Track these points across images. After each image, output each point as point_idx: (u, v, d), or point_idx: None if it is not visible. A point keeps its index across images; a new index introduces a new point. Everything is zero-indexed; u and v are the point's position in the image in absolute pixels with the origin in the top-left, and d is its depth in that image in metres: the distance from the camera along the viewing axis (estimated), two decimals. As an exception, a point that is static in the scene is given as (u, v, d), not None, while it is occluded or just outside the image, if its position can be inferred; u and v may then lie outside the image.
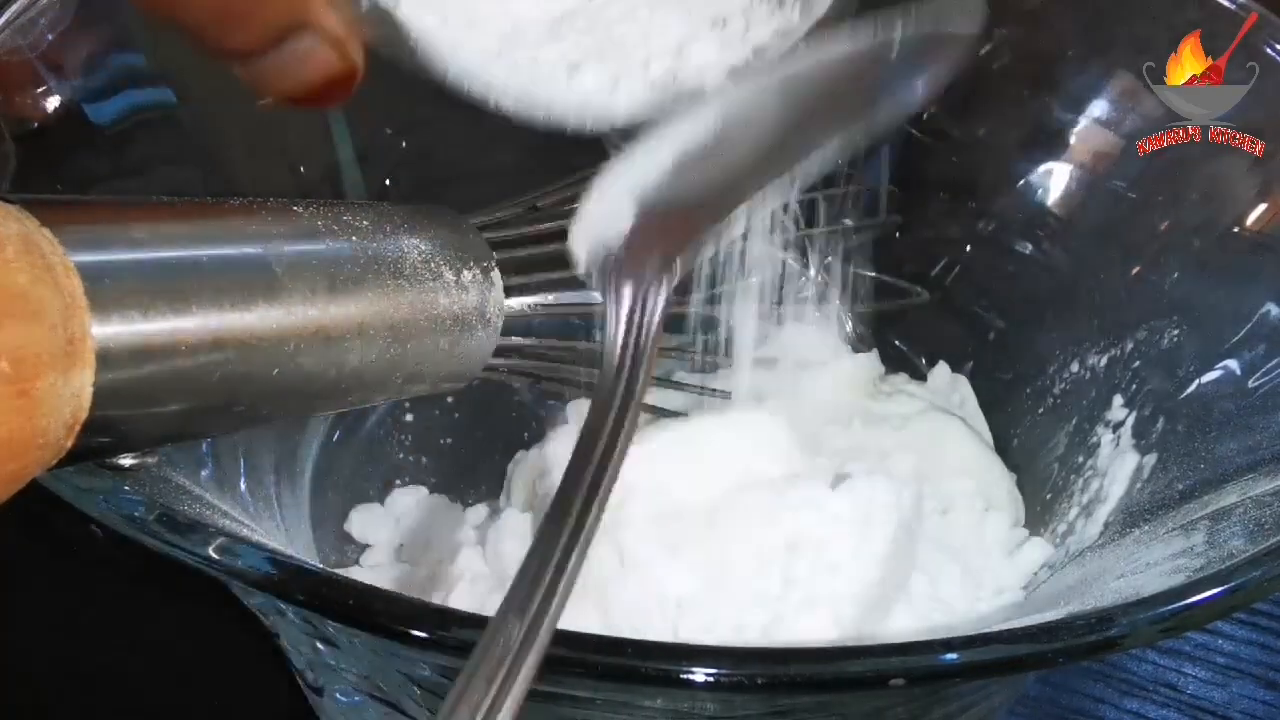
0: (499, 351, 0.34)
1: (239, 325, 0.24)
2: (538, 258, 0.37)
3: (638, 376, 0.23)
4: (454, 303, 0.31)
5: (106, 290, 0.22)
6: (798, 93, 0.29)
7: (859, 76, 0.29)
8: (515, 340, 0.37)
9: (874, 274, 0.51)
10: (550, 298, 0.47)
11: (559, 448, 0.42)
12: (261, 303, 0.25)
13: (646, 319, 0.25)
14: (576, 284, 0.52)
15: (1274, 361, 0.34)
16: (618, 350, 0.24)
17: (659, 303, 0.25)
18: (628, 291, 0.25)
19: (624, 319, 0.25)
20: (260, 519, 0.35)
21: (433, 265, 0.31)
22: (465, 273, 0.32)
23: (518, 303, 0.35)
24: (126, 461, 0.26)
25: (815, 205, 0.48)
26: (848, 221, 0.51)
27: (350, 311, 0.28)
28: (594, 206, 0.28)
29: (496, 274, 0.33)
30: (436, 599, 0.38)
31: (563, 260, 0.39)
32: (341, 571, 0.40)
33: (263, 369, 0.25)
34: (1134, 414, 0.38)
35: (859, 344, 0.50)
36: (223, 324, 0.24)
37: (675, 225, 0.27)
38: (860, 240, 0.51)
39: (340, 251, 0.28)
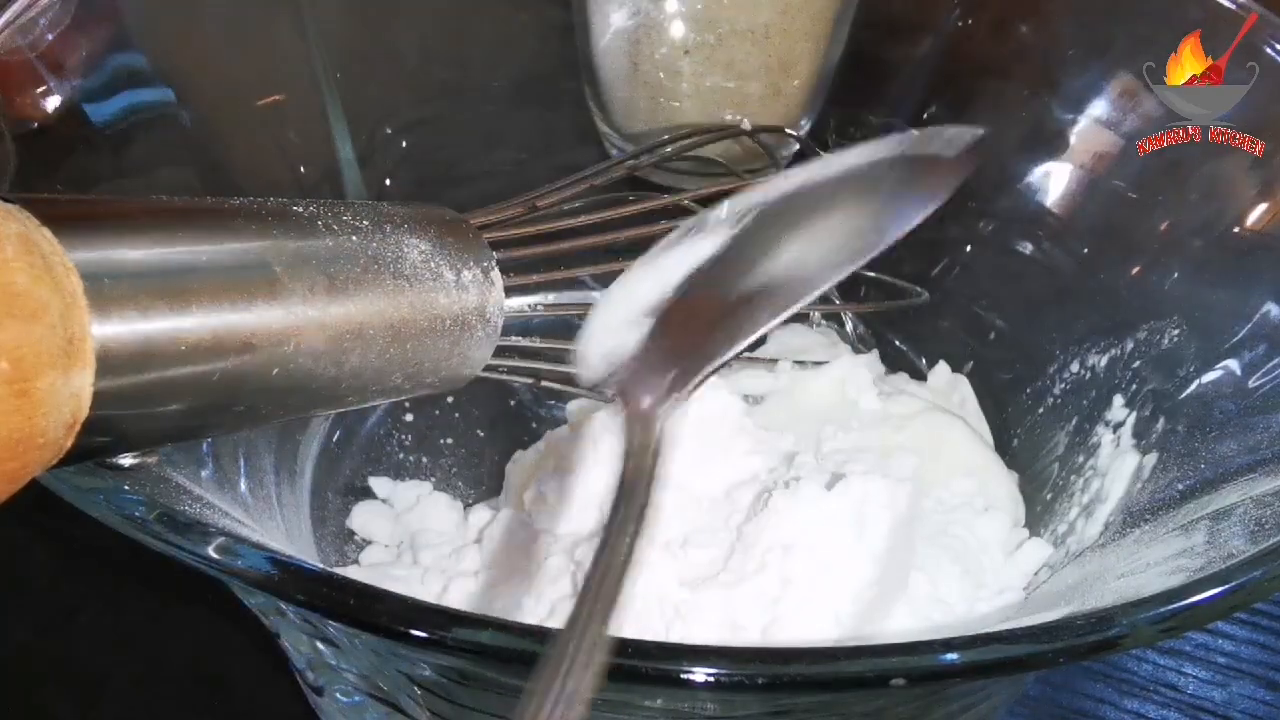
0: (499, 351, 0.34)
1: (239, 325, 0.24)
2: (537, 258, 0.37)
3: (645, 499, 0.23)
4: (454, 302, 0.31)
5: (106, 290, 0.22)
6: (802, 214, 0.29)
7: (861, 199, 0.29)
8: (515, 340, 0.37)
9: (874, 274, 0.51)
10: (550, 298, 0.47)
11: (557, 448, 0.42)
12: (261, 302, 0.25)
13: (656, 440, 0.25)
14: (576, 284, 0.52)
15: (1274, 361, 0.34)
16: (629, 469, 0.24)
17: (668, 424, 0.25)
18: (639, 408, 0.25)
19: (636, 438, 0.25)
20: (260, 519, 0.35)
21: (432, 265, 0.31)
22: (465, 272, 0.32)
23: (518, 302, 0.35)
24: (126, 461, 0.26)
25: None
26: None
27: (350, 311, 0.28)
28: (604, 317, 0.28)
29: (496, 274, 0.33)
30: (436, 598, 0.38)
31: (562, 260, 0.39)
32: (341, 571, 0.40)
33: (262, 369, 0.25)
34: (1134, 414, 0.38)
35: (859, 344, 0.50)
36: (222, 323, 0.24)
37: (687, 345, 0.27)
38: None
39: (340, 251, 0.28)
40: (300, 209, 0.29)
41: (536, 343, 0.39)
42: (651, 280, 0.27)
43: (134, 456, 0.26)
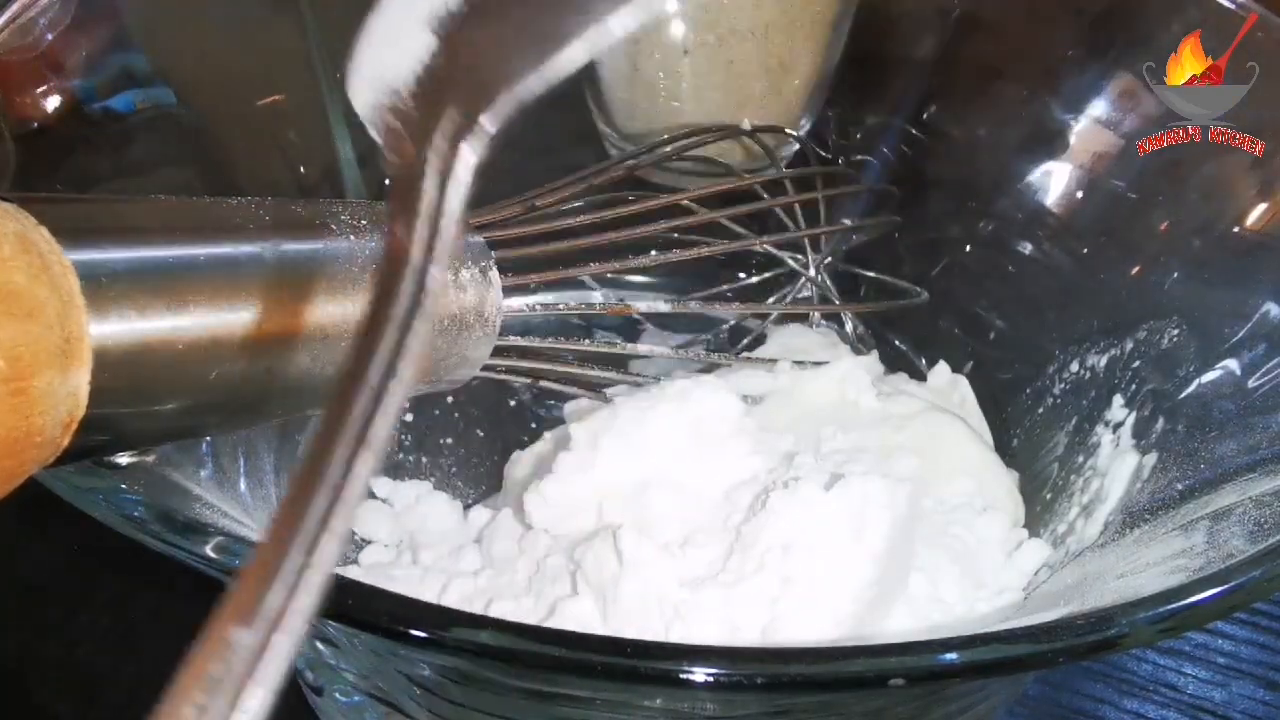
0: (498, 351, 0.34)
1: (236, 324, 0.24)
2: (536, 257, 0.37)
3: (415, 300, 0.17)
4: (452, 302, 0.31)
5: (103, 289, 0.22)
6: None
7: None
8: (514, 340, 0.37)
9: (874, 274, 0.51)
10: (549, 297, 0.47)
11: (556, 449, 0.42)
12: (259, 301, 0.25)
13: (445, 201, 0.19)
14: (575, 284, 0.52)
15: (1274, 361, 0.34)
16: (412, 237, 0.18)
17: (463, 172, 0.19)
18: (422, 153, 0.19)
19: (410, 194, 0.19)
20: (260, 518, 0.35)
21: (432, 264, 0.31)
22: (463, 272, 0.32)
23: (516, 302, 0.35)
24: (124, 460, 0.26)
25: (815, 206, 0.48)
26: (848, 221, 0.51)
27: (348, 310, 0.28)
28: (378, 30, 0.21)
29: (495, 273, 0.33)
30: (436, 598, 0.38)
31: (561, 260, 0.39)
32: (340, 571, 0.39)
33: (260, 367, 0.25)
34: (1134, 414, 0.38)
35: (859, 344, 0.50)
36: (220, 323, 0.24)
37: (483, 60, 0.20)
38: (859, 240, 0.52)
39: (339, 250, 0.28)
40: (299, 208, 0.29)
41: (535, 342, 0.39)
42: None
43: (131, 455, 0.26)
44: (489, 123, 0.19)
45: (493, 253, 0.34)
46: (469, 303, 0.32)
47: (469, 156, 0.19)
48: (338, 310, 0.27)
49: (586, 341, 0.46)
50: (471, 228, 0.34)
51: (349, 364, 0.17)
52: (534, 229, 0.37)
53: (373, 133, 0.20)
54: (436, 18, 0.20)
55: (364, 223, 0.30)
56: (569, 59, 0.19)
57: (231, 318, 0.24)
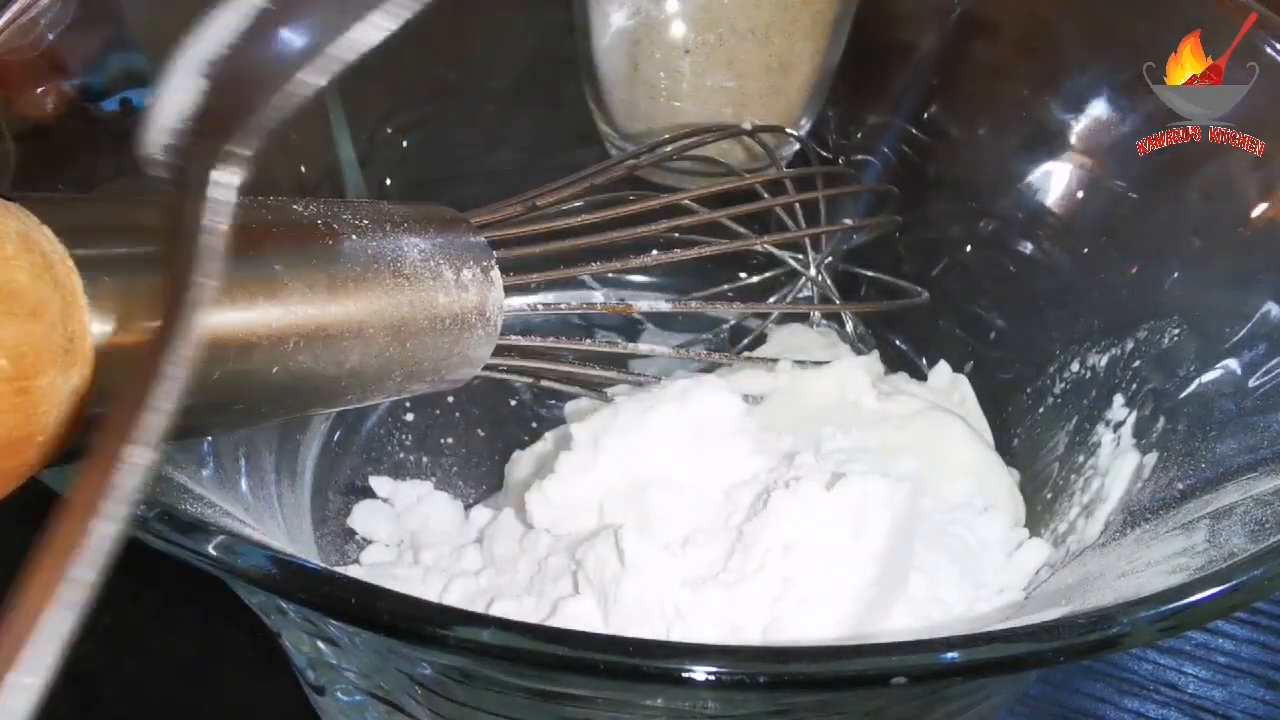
0: (499, 350, 0.34)
1: (239, 323, 0.24)
2: (537, 257, 0.37)
3: (193, 277, 0.21)
4: (454, 301, 0.31)
5: (106, 288, 0.22)
6: None
7: None
8: (515, 339, 0.37)
9: (874, 274, 0.51)
10: (550, 297, 0.47)
11: (556, 449, 0.42)
12: (262, 301, 0.25)
13: (202, 221, 0.22)
14: (576, 283, 0.52)
15: (1274, 361, 0.34)
16: (179, 254, 0.21)
17: (214, 199, 0.22)
18: (190, 185, 0.22)
19: (180, 218, 0.22)
20: (261, 518, 0.35)
21: (432, 264, 0.31)
22: (465, 271, 0.32)
23: (517, 302, 0.35)
24: (126, 459, 0.26)
25: (815, 205, 0.48)
26: (848, 221, 0.51)
27: (350, 310, 0.28)
28: (176, 75, 0.24)
29: (496, 273, 0.33)
30: (437, 597, 0.38)
31: (562, 260, 0.39)
32: (342, 570, 0.40)
33: (262, 367, 0.25)
34: (1134, 413, 0.38)
35: (859, 344, 0.50)
36: (223, 322, 0.24)
37: (234, 101, 0.23)
38: (860, 240, 0.52)
39: (340, 250, 0.28)
40: (301, 208, 0.29)
41: (536, 342, 0.39)
42: (218, 30, 0.24)
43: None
44: (239, 147, 0.23)
45: (494, 252, 0.34)
46: (471, 302, 0.32)
47: (227, 177, 0.22)
48: (340, 310, 0.27)
49: (587, 341, 0.46)
50: (474, 227, 0.34)
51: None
52: (535, 229, 0.37)
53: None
54: (200, 67, 0.24)
55: (365, 222, 0.30)
56: (294, 93, 0.23)
57: (234, 317, 0.24)
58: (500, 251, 0.34)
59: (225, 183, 0.22)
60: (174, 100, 0.23)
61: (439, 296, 0.31)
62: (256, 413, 0.28)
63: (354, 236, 0.29)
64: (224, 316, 0.24)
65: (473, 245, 0.33)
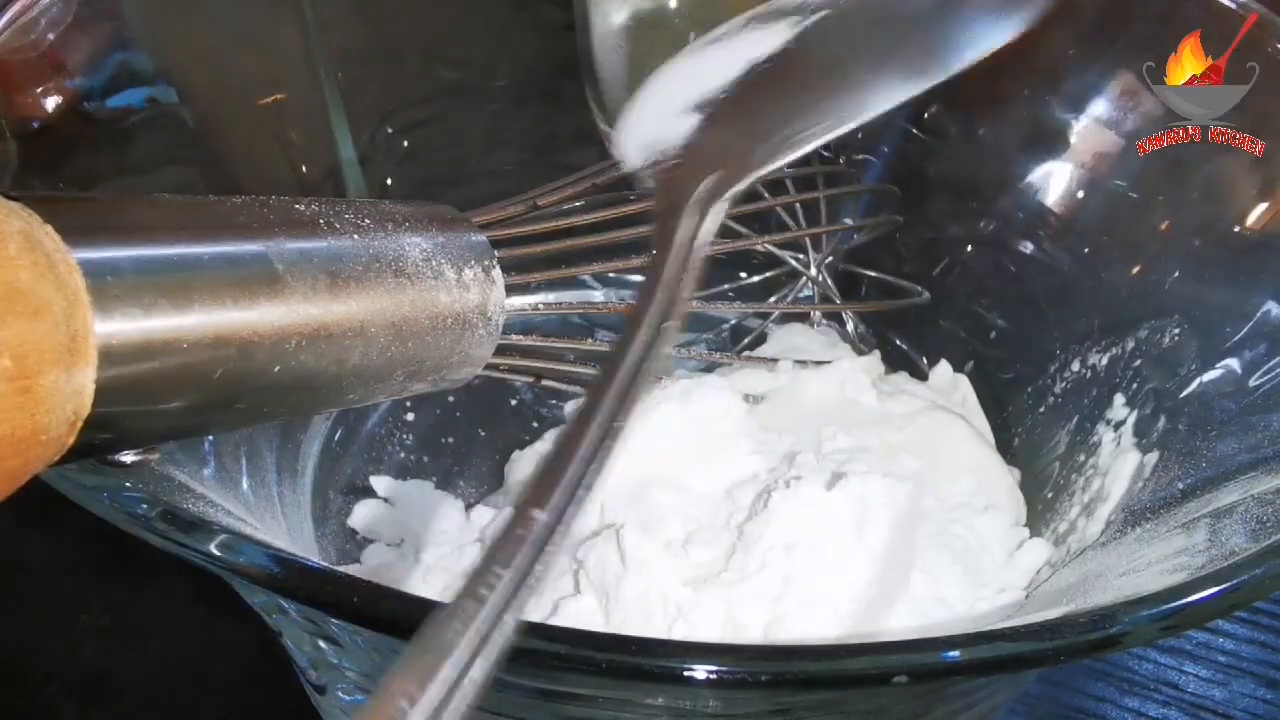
0: (500, 350, 0.34)
1: (241, 322, 0.24)
2: (538, 257, 0.37)
3: (679, 296, 0.22)
4: (455, 301, 0.31)
5: (109, 287, 0.22)
6: (872, 24, 0.27)
7: (939, 14, 0.27)
8: (516, 339, 0.37)
9: (875, 273, 0.51)
10: (551, 296, 0.47)
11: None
12: (263, 300, 0.25)
13: (698, 238, 0.23)
14: (577, 283, 0.52)
15: (1275, 360, 0.34)
16: (665, 264, 0.22)
17: (712, 222, 0.24)
18: (679, 201, 0.23)
19: (674, 231, 0.23)
20: (263, 517, 0.35)
21: (434, 263, 0.31)
22: (466, 271, 0.32)
23: (519, 301, 0.35)
24: (128, 458, 0.26)
25: (816, 205, 0.48)
26: (849, 221, 0.51)
27: (352, 309, 0.28)
28: (651, 100, 0.26)
29: (498, 272, 0.33)
30: (438, 596, 0.38)
31: (563, 259, 0.39)
32: (343, 569, 0.40)
33: (264, 366, 0.25)
34: (1135, 412, 0.38)
35: (860, 344, 0.50)
36: (224, 321, 0.24)
37: (733, 147, 0.25)
38: (860, 240, 0.52)
39: (342, 249, 0.28)
40: (302, 207, 0.29)
41: (538, 341, 0.39)
42: (701, 71, 0.26)
43: (136, 453, 0.26)
44: (734, 192, 0.25)
45: (495, 252, 0.34)
46: (473, 301, 0.32)
47: (720, 212, 0.24)
48: (341, 309, 0.27)
49: (588, 341, 0.46)
50: (475, 227, 0.34)
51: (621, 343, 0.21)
52: (536, 228, 0.37)
53: (644, 182, 0.26)
54: (698, 108, 0.26)
55: (366, 222, 0.30)
56: (792, 156, 0.25)
57: (236, 316, 0.24)
58: (501, 251, 0.34)
59: (718, 215, 0.24)
60: (666, 130, 0.25)
61: (441, 296, 0.31)
62: (258, 412, 0.28)
63: (355, 236, 0.29)
64: (226, 316, 0.24)
65: (474, 244, 0.33)
